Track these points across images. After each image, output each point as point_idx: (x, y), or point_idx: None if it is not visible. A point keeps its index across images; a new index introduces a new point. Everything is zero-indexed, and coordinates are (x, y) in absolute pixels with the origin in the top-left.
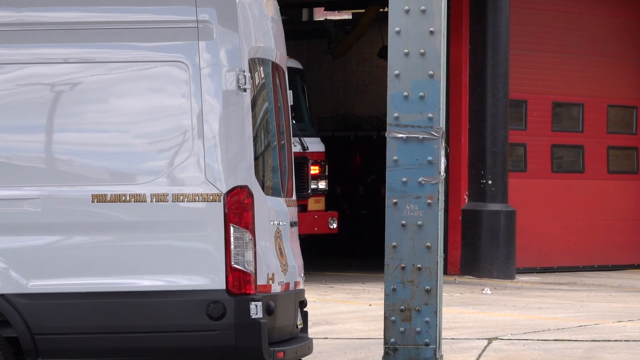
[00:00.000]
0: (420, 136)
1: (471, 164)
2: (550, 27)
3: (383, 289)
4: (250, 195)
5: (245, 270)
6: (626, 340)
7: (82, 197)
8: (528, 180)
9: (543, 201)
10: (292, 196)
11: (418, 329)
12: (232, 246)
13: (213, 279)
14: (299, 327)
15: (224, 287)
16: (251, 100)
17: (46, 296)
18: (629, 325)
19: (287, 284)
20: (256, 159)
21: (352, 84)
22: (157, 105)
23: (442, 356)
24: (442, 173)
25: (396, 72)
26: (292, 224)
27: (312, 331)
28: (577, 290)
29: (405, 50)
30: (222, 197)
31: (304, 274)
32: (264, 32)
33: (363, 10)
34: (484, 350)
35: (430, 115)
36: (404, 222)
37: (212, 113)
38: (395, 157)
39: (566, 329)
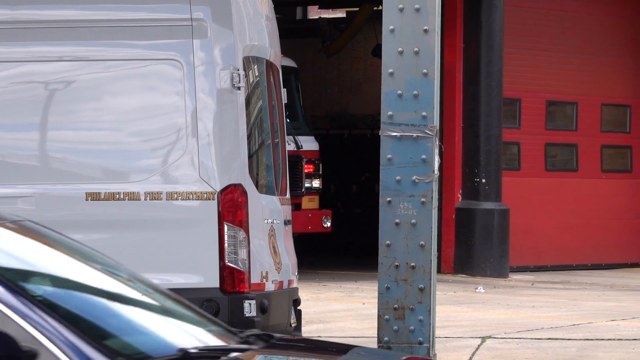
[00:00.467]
0: (414, 135)
1: (465, 163)
2: (544, 25)
3: (377, 288)
4: (244, 193)
5: (239, 268)
6: (619, 339)
7: (76, 195)
8: (522, 178)
9: (537, 200)
10: (286, 194)
11: (412, 327)
12: (225, 244)
13: (207, 277)
14: (293, 325)
15: (217, 285)
16: (245, 99)
17: None
18: (622, 324)
19: (281, 283)
20: (250, 157)
21: (346, 83)
22: (151, 104)
23: (435, 355)
24: (436, 171)
25: (390, 70)
26: (286, 223)
27: (305, 329)
28: (570, 289)
29: (400, 49)
30: (216, 196)
31: (298, 272)
32: (258, 31)
33: (357, 9)
34: (477, 349)
35: (424, 113)
36: (397, 220)
37: (206, 111)
38: (389, 156)
39: (559, 328)
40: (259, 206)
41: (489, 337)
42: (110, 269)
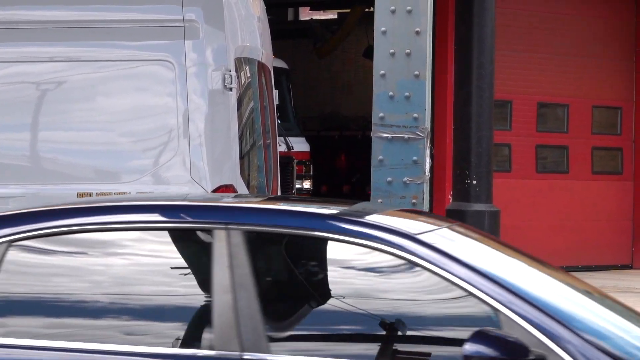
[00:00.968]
0: (406, 136)
1: (456, 164)
2: (536, 28)
3: None
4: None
5: None
6: None
7: (68, 195)
8: (512, 180)
9: (527, 201)
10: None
11: None
12: None
13: None
14: None
15: None
16: (237, 100)
17: None
18: None
19: None
20: (241, 158)
21: (337, 84)
22: (143, 104)
23: None
24: (427, 173)
25: (382, 72)
26: None
27: None
28: None
29: (391, 50)
30: None
31: None
32: (250, 32)
33: (349, 10)
34: None
35: (415, 115)
36: None
37: (197, 112)
38: (380, 157)
39: None
40: None
41: None
42: (547, 268)
